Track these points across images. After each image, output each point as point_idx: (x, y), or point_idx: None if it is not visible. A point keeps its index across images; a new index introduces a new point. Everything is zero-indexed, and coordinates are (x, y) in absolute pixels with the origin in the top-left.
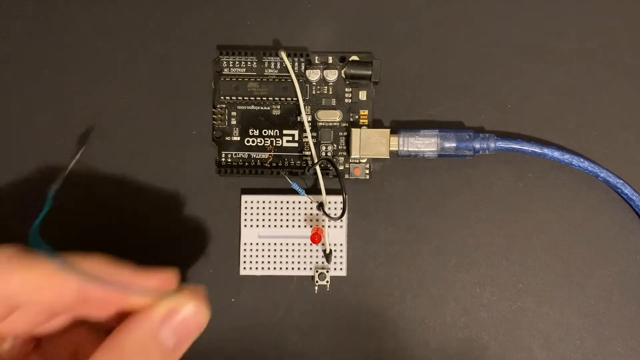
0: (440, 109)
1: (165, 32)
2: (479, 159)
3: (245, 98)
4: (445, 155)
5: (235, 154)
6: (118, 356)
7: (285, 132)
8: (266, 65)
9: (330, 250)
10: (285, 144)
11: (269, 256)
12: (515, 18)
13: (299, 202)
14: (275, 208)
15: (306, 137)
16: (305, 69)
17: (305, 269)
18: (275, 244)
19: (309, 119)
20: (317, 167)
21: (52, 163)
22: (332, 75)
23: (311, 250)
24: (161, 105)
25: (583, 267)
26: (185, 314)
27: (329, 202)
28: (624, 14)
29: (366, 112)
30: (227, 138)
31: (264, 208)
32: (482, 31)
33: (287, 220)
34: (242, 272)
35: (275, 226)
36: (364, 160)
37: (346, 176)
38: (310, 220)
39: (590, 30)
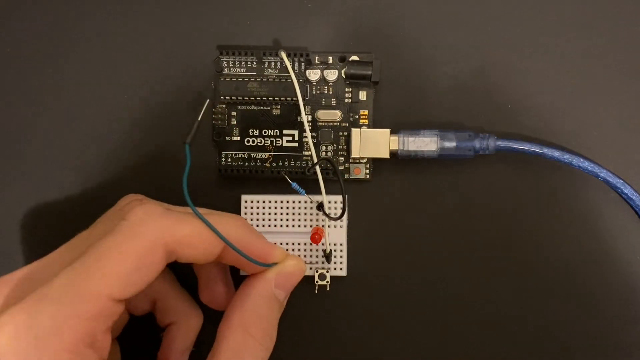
0: (440, 109)
1: (165, 32)
2: (479, 159)
3: (245, 98)
4: (445, 155)
5: (235, 154)
6: (250, 310)
7: (285, 132)
8: (266, 65)
9: (331, 250)
10: (285, 144)
11: None
12: (516, 18)
13: (299, 202)
14: (275, 208)
15: (306, 137)
16: (305, 69)
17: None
18: (275, 243)
19: (309, 119)
20: (317, 168)
21: (51, 162)
22: (332, 75)
23: (311, 250)
24: (161, 105)
25: (583, 267)
26: (287, 273)
27: (329, 202)
28: (624, 14)
29: (366, 112)
30: (227, 138)
31: (264, 208)
32: (482, 31)
33: (287, 220)
34: (243, 272)
35: (275, 226)
36: (364, 160)
37: (346, 176)
38: (310, 220)
39: (590, 30)
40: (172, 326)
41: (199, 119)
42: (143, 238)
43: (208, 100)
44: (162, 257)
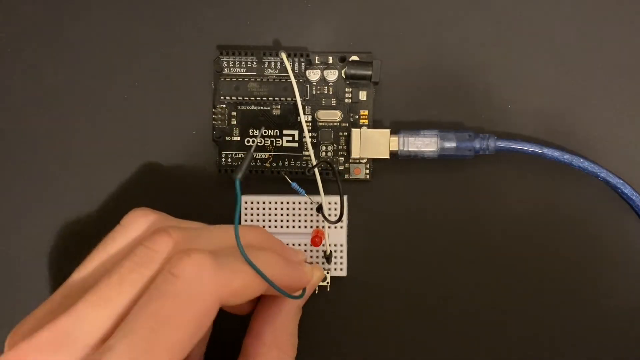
0: (440, 109)
1: (165, 32)
2: (479, 159)
3: (245, 98)
4: (445, 155)
5: (235, 154)
6: (282, 328)
7: (285, 132)
8: (266, 65)
9: (331, 252)
10: (285, 144)
11: None
12: (515, 18)
13: (299, 203)
14: (276, 208)
15: (305, 137)
16: (305, 69)
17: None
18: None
19: (309, 119)
20: (316, 169)
21: (51, 163)
22: (332, 75)
23: (311, 250)
24: (161, 105)
25: (583, 268)
26: (312, 285)
27: (329, 203)
28: (624, 14)
29: (366, 112)
30: (227, 138)
31: (264, 208)
32: (482, 31)
33: (287, 220)
34: None
35: (275, 226)
36: (364, 160)
37: (346, 176)
38: (311, 221)
39: (590, 30)
40: None
41: (251, 152)
42: (203, 301)
43: (263, 128)
44: (216, 311)
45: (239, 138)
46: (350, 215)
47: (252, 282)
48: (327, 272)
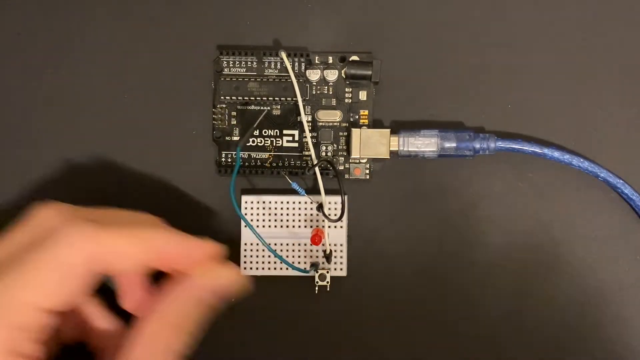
0: (440, 109)
1: (165, 32)
2: (479, 159)
3: (245, 98)
4: (445, 155)
5: (236, 154)
6: (176, 308)
7: (285, 132)
8: (266, 65)
9: (331, 251)
10: (285, 144)
11: (269, 256)
12: (515, 18)
13: (299, 203)
14: (276, 208)
15: (306, 137)
16: (306, 69)
17: (305, 269)
18: (275, 244)
19: (309, 119)
20: (317, 169)
21: (52, 163)
22: (332, 75)
23: (311, 250)
24: (161, 105)
25: (583, 268)
26: (222, 281)
27: (329, 203)
28: (624, 14)
29: (366, 112)
30: (227, 138)
31: (264, 208)
32: (482, 31)
33: (287, 220)
34: (243, 272)
35: (275, 226)
36: (364, 160)
37: (346, 176)
38: (311, 221)
39: (590, 30)
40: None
41: (255, 125)
42: (68, 248)
43: (267, 110)
44: (87, 267)
45: (238, 138)
46: (350, 215)
47: (128, 245)
48: (327, 272)
